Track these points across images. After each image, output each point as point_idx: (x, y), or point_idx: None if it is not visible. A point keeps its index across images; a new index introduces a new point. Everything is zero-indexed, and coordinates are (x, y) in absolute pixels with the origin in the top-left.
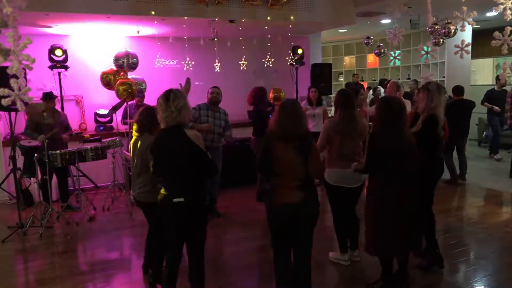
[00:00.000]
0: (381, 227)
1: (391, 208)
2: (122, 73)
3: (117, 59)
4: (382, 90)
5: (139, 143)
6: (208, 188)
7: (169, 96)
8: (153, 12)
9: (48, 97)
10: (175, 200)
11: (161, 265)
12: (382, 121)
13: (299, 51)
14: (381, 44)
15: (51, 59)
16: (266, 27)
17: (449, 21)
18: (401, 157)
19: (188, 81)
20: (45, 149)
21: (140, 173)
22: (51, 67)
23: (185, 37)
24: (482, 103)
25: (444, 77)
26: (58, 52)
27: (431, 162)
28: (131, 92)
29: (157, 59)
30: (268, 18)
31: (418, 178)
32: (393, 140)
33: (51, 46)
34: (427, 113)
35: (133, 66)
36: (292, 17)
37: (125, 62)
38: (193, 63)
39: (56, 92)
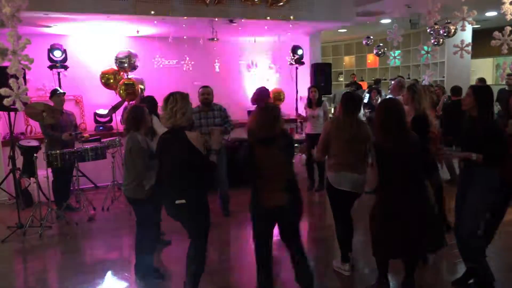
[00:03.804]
0: (383, 231)
1: (397, 211)
2: (122, 73)
3: (118, 59)
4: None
5: (126, 142)
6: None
7: (168, 98)
8: (153, 12)
9: (52, 93)
10: (177, 202)
11: (150, 266)
12: (380, 126)
13: (299, 51)
14: (381, 44)
15: (50, 59)
16: (266, 27)
17: (449, 21)
18: (405, 161)
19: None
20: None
21: (128, 170)
22: (51, 67)
23: (184, 37)
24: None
25: (444, 77)
26: (60, 52)
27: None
28: (133, 92)
29: (156, 59)
30: (268, 17)
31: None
32: (393, 145)
33: (51, 46)
34: (415, 113)
35: (135, 66)
36: (292, 17)
37: (127, 62)
38: (192, 63)
39: None
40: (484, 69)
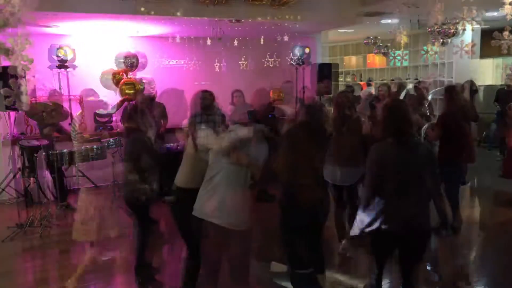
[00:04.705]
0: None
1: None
2: (122, 73)
3: (119, 59)
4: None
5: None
6: None
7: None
8: (152, 12)
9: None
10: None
11: (149, 265)
12: (382, 124)
13: (301, 51)
14: (381, 44)
15: (51, 59)
16: (267, 27)
17: (454, 20)
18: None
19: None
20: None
21: (126, 173)
22: (51, 67)
23: (187, 37)
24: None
25: (452, 77)
26: (60, 52)
27: None
28: (134, 92)
29: (159, 59)
30: (269, 18)
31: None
32: (399, 150)
33: (51, 46)
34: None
35: (135, 66)
36: (293, 17)
37: (127, 62)
38: (195, 62)
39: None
40: (488, 69)
